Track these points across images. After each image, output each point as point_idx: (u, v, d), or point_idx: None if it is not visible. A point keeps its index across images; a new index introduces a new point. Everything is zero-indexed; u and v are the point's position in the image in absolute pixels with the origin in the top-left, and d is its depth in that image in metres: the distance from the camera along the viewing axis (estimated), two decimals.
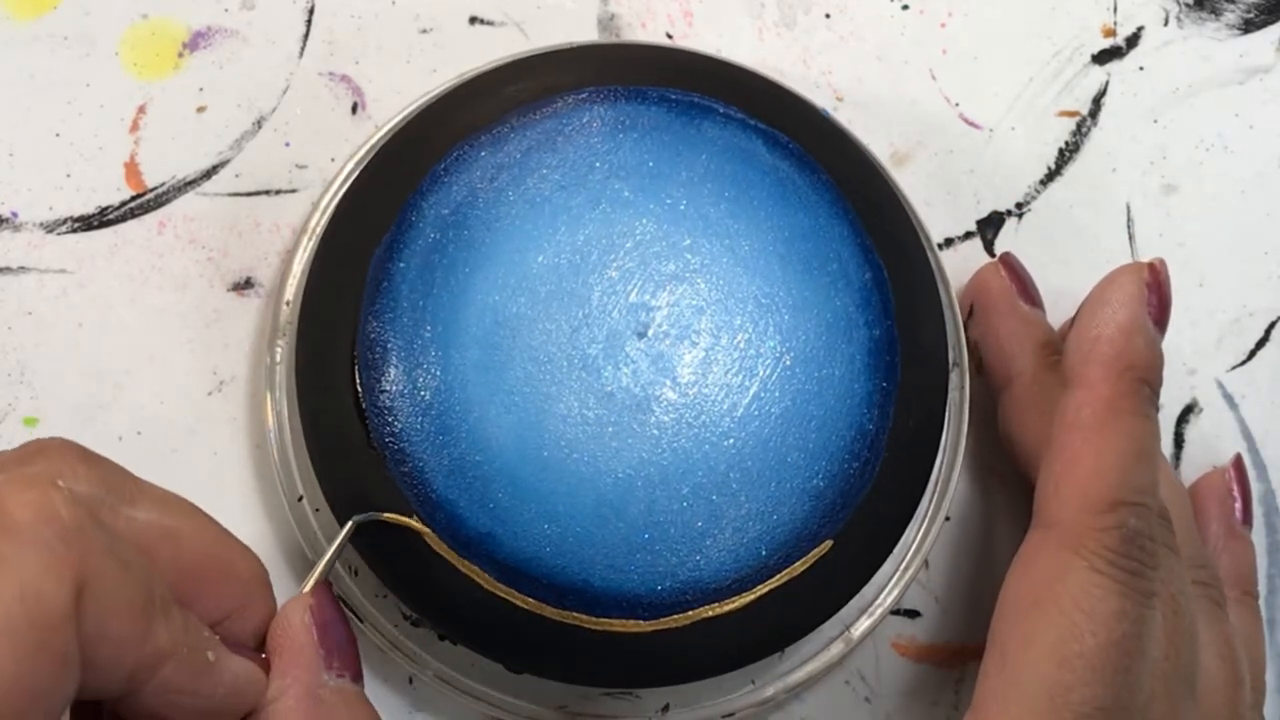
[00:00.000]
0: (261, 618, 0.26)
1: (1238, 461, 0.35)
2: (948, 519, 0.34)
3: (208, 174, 0.35)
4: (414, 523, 0.29)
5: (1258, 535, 0.36)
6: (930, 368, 0.33)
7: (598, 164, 0.32)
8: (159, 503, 0.24)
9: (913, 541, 0.33)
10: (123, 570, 0.21)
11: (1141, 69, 0.39)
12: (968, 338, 0.35)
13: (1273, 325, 0.38)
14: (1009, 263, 0.35)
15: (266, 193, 0.35)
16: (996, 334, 0.34)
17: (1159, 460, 0.29)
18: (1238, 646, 0.30)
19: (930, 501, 0.33)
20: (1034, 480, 0.30)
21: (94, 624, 0.21)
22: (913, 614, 0.34)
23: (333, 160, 0.35)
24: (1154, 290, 0.30)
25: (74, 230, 0.34)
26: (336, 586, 0.31)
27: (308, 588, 0.27)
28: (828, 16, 0.38)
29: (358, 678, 0.26)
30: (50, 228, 0.34)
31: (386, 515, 0.29)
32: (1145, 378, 0.29)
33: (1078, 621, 0.26)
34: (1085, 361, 0.29)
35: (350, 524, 0.29)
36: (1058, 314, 0.36)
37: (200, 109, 0.35)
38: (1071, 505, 0.27)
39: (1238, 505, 0.35)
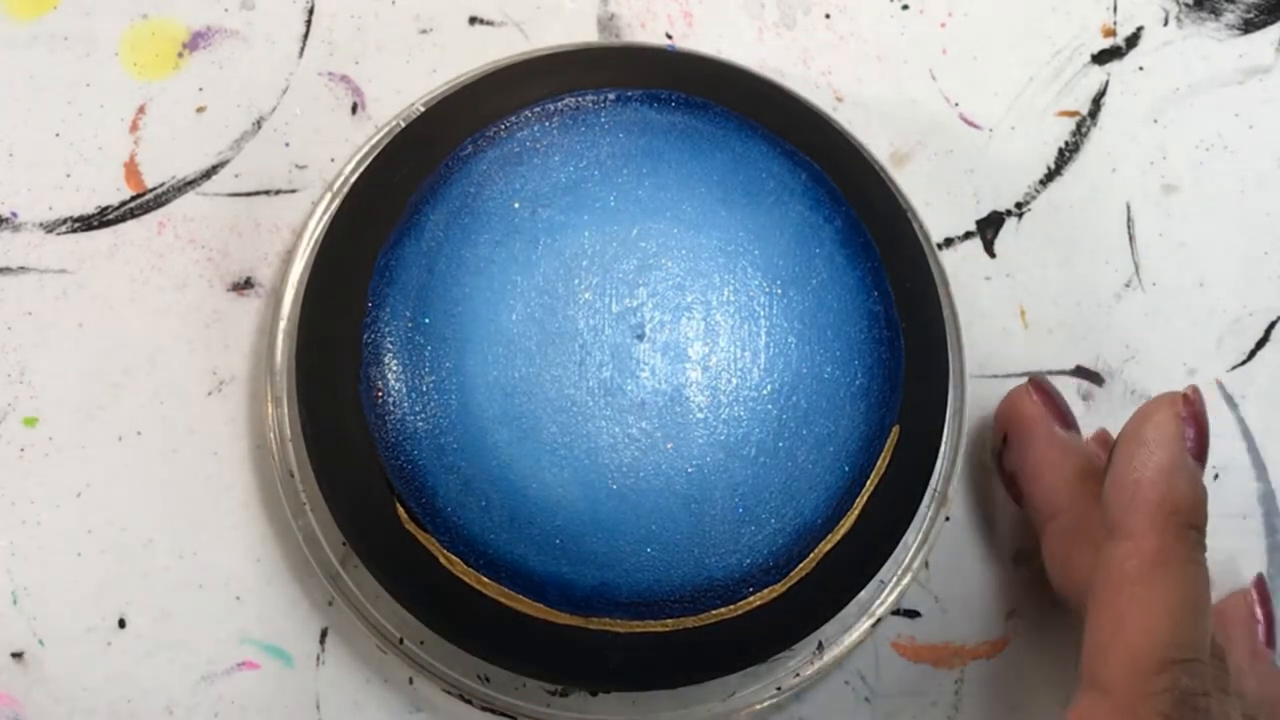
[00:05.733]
0: None
1: (1259, 582, 0.34)
2: (948, 519, 0.34)
3: (207, 174, 0.35)
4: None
5: (1258, 536, 0.36)
6: (930, 367, 0.33)
7: (516, 204, 0.31)
8: None
9: (913, 542, 0.33)
10: None
11: (1141, 69, 0.39)
12: (1002, 469, 0.34)
13: (1273, 325, 0.38)
14: (1041, 386, 0.34)
15: (266, 193, 0.35)
16: (1037, 465, 0.33)
17: (1209, 607, 0.27)
18: None
19: (930, 502, 0.33)
20: (1082, 615, 0.29)
21: None
22: (913, 614, 0.34)
23: (333, 160, 0.35)
24: (1190, 423, 0.29)
25: (74, 230, 0.34)
26: (339, 587, 0.32)
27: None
28: (828, 16, 0.38)
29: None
30: (50, 228, 0.34)
31: None
32: (1191, 521, 0.28)
33: None
34: (1127, 510, 0.28)
35: None
36: (1059, 313, 0.36)
37: (200, 109, 0.35)
38: (1122, 669, 0.27)
39: (1261, 627, 0.34)
